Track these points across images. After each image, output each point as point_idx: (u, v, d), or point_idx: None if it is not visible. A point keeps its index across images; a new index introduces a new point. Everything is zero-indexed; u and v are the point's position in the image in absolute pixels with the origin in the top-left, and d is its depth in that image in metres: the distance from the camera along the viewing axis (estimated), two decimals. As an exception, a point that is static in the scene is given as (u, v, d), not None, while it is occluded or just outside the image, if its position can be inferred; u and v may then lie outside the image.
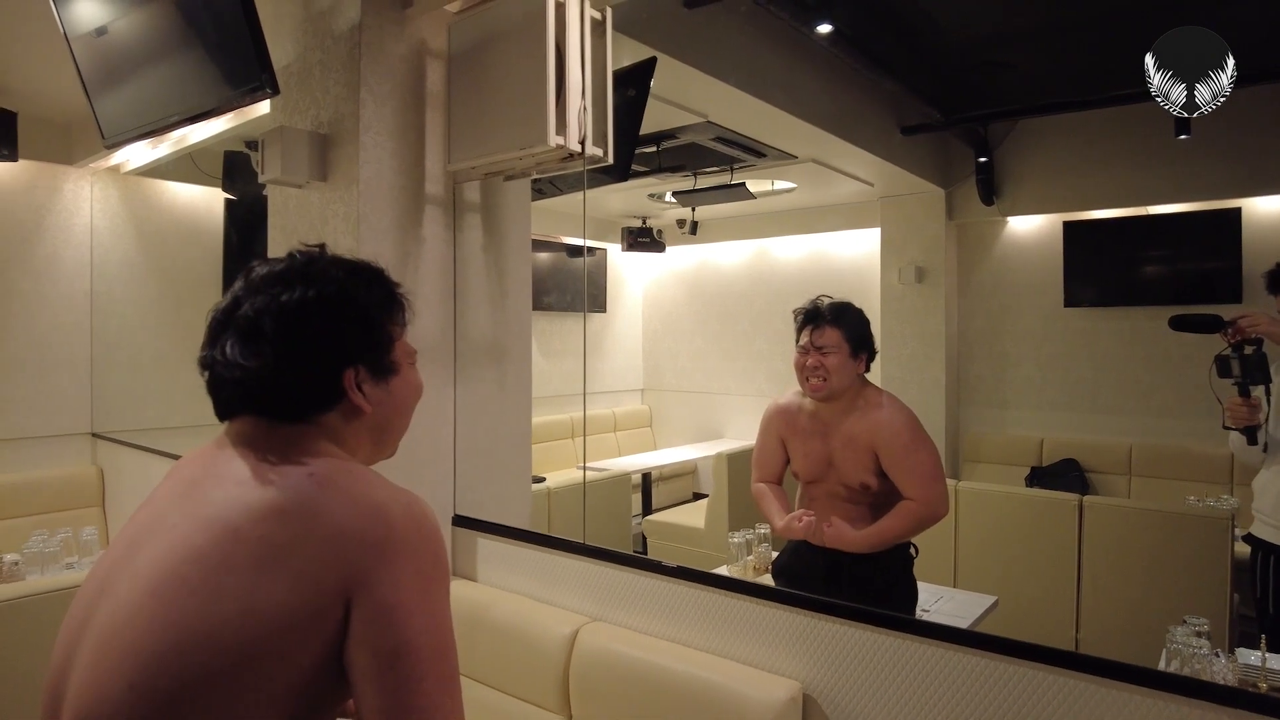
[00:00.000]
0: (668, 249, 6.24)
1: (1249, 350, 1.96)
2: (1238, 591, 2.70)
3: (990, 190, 4.71)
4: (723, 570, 2.47)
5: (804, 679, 1.54)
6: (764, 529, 2.67)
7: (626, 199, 5.50)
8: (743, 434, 5.99)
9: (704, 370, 6.43)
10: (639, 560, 1.85)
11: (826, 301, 2.09)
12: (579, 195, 4.13)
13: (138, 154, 3.63)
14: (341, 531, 0.83)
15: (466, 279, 2.22)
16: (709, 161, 4.54)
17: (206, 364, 0.94)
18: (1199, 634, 1.66)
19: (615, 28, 2.00)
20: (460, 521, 2.20)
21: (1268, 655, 1.58)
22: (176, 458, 3.24)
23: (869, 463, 2.01)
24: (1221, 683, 1.46)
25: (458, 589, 2.03)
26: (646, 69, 2.58)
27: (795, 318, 2.12)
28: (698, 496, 5.77)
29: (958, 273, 5.04)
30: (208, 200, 4.01)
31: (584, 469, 4.16)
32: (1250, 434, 2.05)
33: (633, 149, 2.87)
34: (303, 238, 2.13)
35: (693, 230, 5.84)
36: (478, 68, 2.03)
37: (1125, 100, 3.75)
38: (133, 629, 0.80)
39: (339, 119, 2.03)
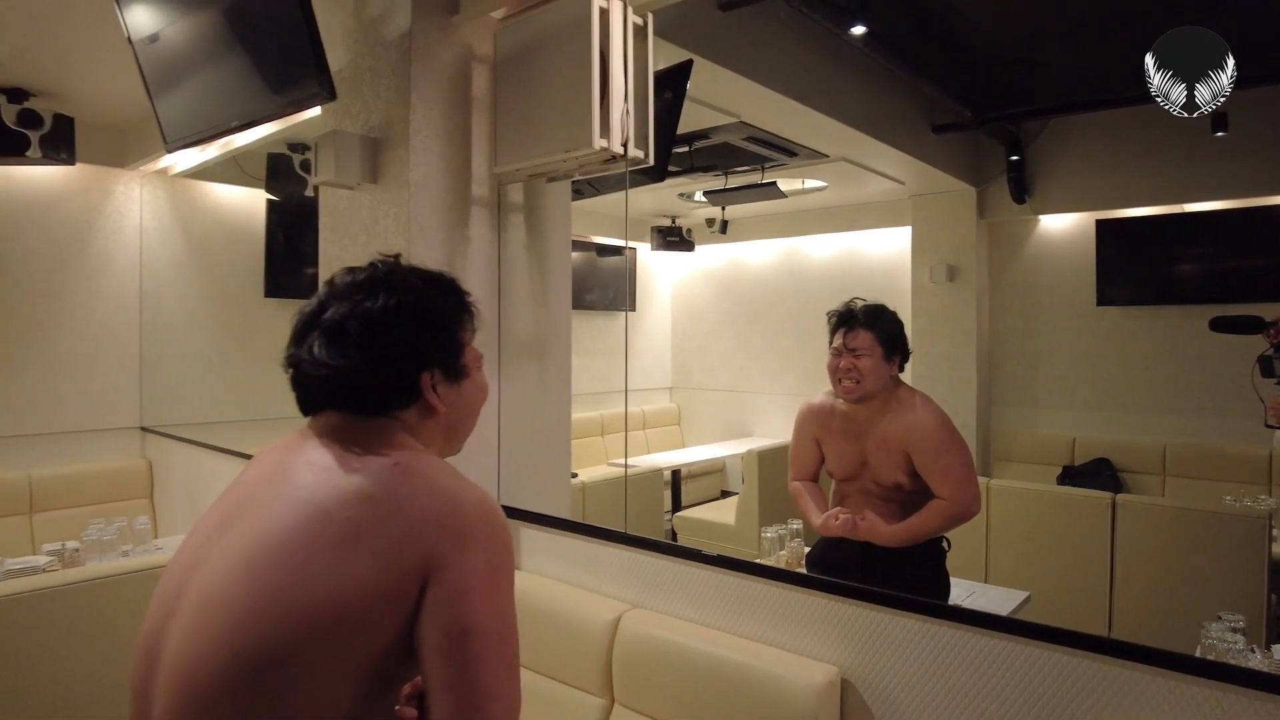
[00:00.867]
0: (697, 248, 6.28)
1: None
2: (1275, 592, 2.69)
3: (1022, 189, 4.70)
4: (757, 563, 2.51)
5: (842, 664, 1.58)
6: (796, 524, 2.71)
7: (656, 198, 5.55)
8: (771, 432, 6.01)
9: (732, 369, 6.45)
10: (679, 549, 1.90)
11: (860, 304, 2.11)
12: (609, 196, 4.19)
13: (185, 157, 3.74)
14: (423, 516, 0.89)
15: (510, 278, 2.28)
16: (740, 161, 4.58)
17: (292, 362, 1.01)
18: (1234, 629, 1.68)
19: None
20: (505, 511, 2.25)
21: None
22: (222, 451, 3.38)
23: (902, 463, 2.04)
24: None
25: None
26: (683, 71, 2.62)
27: (829, 320, 2.14)
28: (725, 494, 5.79)
29: (989, 272, 5.03)
30: (251, 201, 4.12)
31: (625, 463, 4.22)
32: None
33: (670, 150, 2.92)
34: (354, 238, 2.21)
35: (723, 229, 5.87)
36: (523, 72, 2.09)
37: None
38: (230, 596, 0.87)
39: (389, 123, 2.10)
